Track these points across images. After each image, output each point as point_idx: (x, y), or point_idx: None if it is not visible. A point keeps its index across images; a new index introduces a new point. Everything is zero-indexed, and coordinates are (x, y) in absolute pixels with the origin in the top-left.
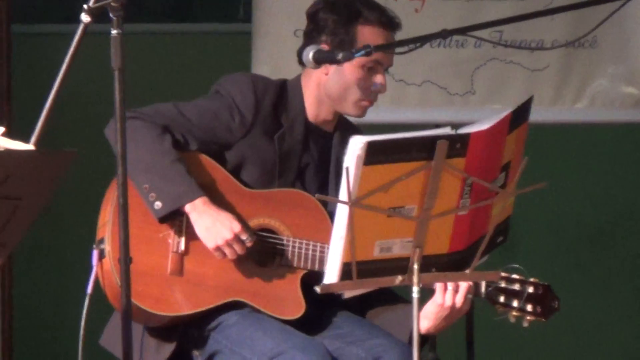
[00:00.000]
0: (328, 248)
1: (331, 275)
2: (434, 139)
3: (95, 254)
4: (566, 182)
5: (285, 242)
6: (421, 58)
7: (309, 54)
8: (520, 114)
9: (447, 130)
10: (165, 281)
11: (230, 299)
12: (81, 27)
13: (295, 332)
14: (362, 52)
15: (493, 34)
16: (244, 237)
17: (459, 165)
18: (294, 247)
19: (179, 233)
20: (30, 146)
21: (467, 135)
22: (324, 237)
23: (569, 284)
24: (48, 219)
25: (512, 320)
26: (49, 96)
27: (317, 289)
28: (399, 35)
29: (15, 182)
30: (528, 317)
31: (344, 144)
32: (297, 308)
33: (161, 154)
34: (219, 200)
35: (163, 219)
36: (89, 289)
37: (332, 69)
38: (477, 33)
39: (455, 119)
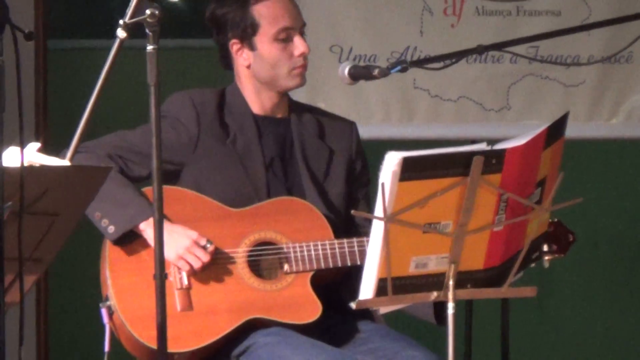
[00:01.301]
0: (330, 244)
1: (367, 291)
2: (469, 155)
3: (104, 312)
4: (602, 198)
5: (285, 249)
6: (457, 74)
7: (345, 70)
8: (556, 129)
9: (482, 146)
10: (178, 319)
11: (246, 319)
12: (117, 42)
13: (326, 347)
14: (398, 67)
15: (529, 49)
16: (202, 242)
17: (494, 181)
18: (295, 251)
19: (178, 269)
20: (66, 162)
21: (503, 151)
22: (323, 235)
23: (606, 301)
24: (83, 234)
25: (532, 264)
26: (85, 112)
27: (353, 305)
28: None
29: (52, 197)
30: (546, 257)
31: (302, 125)
32: (313, 310)
33: (108, 181)
34: (208, 228)
35: (117, 242)
36: (106, 346)
37: (250, 56)
38: (513, 49)
39: (491, 135)
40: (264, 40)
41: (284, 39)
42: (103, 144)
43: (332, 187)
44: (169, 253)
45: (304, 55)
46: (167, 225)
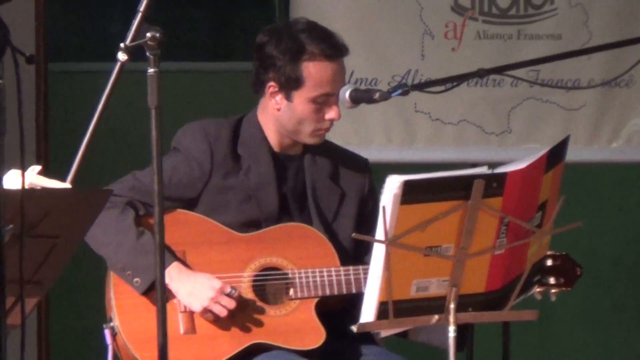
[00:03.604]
0: (335, 271)
1: (368, 314)
2: (470, 179)
3: (107, 333)
4: (602, 222)
5: (290, 275)
6: (458, 97)
7: (346, 93)
8: (556, 153)
9: (483, 170)
10: (181, 342)
11: (249, 344)
12: (118, 65)
13: None
14: (399, 91)
15: (530, 73)
16: (227, 290)
17: (495, 204)
18: (300, 278)
19: None
20: (67, 185)
21: (504, 175)
22: (328, 262)
23: (606, 324)
24: (84, 256)
25: (538, 297)
26: (86, 134)
27: (354, 328)
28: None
29: (53, 220)
30: (553, 290)
31: (315, 165)
32: (317, 336)
33: (126, 232)
34: (214, 252)
35: (146, 293)
36: None
37: (283, 104)
38: (514, 72)
39: (492, 158)
40: (302, 97)
41: (321, 102)
42: (120, 191)
43: (341, 229)
44: (195, 305)
45: (332, 121)
46: (190, 276)
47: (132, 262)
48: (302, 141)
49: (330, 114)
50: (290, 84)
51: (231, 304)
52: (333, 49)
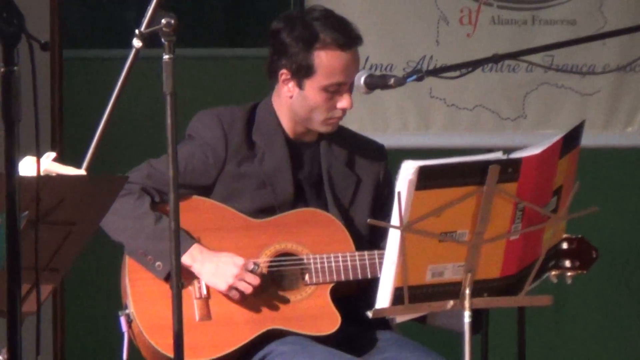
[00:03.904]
0: (350, 256)
1: (383, 299)
2: (485, 164)
3: (123, 320)
4: (618, 207)
5: (305, 260)
6: (473, 83)
7: (361, 79)
8: (571, 138)
9: (498, 155)
10: (196, 328)
11: (264, 329)
12: (133, 52)
13: (343, 355)
14: (414, 77)
15: (544, 58)
16: (251, 266)
17: (510, 190)
18: (315, 263)
19: (197, 279)
20: (81, 171)
21: (519, 160)
22: (344, 247)
23: (623, 310)
24: (99, 243)
25: (554, 280)
26: (100, 121)
27: (369, 313)
28: None
29: (68, 207)
30: (569, 274)
31: (331, 151)
32: (332, 322)
33: (143, 217)
34: (229, 238)
35: (168, 277)
36: (124, 355)
37: (295, 91)
38: (529, 58)
39: (507, 144)
40: (313, 85)
41: (333, 91)
42: (136, 178)
43: (357, 215)
44: (220, 284)
45: (344, 110)
46: (213, 256)
47: (153, 247)
48: (314, 129)
49: (342, 103)
50: (302, 72)
51: (255, 280)
52: (346, 38)
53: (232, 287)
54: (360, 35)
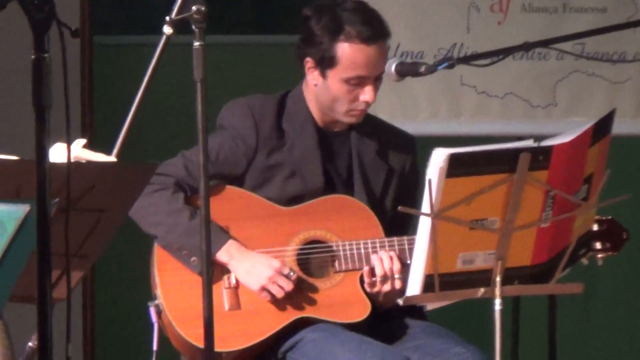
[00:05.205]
0: (380, 242)
1: (414, 287)
2: (516, 152)
3: (152, 310)
4: None
5: (335, 248)
6: (503, 70)
7: (392, 66)
8: (602, 126)
9: (529, 143)
10: (226, 318)
11: (294, 318)
12: (163, 38)
13: (373, 343)
14: (445, 64)
15: (575, 46)
16: (285, 271)
17: (541, 177)
18: (344, 250)
19: (226, 269)
20: (112, 158)
21: (550, 148)
22: (373, 233)
23: None
24: (130, 232)
25: (585, 262)
26: (131, 108)
27: (400, 301)
28: None
29: (98, 194)
30: (599, 255)
31: (361, 140)
32: (363, 309)
33: (179, 213)
34: (258, 226)
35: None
36: (155, 346)
37: (319, 81)
38: (560, 45)
39: (538, 132)
40: (335, 76)
41: (355, 84)
42: (167, 172)
43: (388, 204)
44: (253, 284)
45: (366, 103)
46: (250, 255)
47: (188, 242)
48: (338, 119)
49: (365, 96)
50: (325, 62)
51: (289, 285)
52: (371, 32)
53: (264, 289)
54: (388, 30)
